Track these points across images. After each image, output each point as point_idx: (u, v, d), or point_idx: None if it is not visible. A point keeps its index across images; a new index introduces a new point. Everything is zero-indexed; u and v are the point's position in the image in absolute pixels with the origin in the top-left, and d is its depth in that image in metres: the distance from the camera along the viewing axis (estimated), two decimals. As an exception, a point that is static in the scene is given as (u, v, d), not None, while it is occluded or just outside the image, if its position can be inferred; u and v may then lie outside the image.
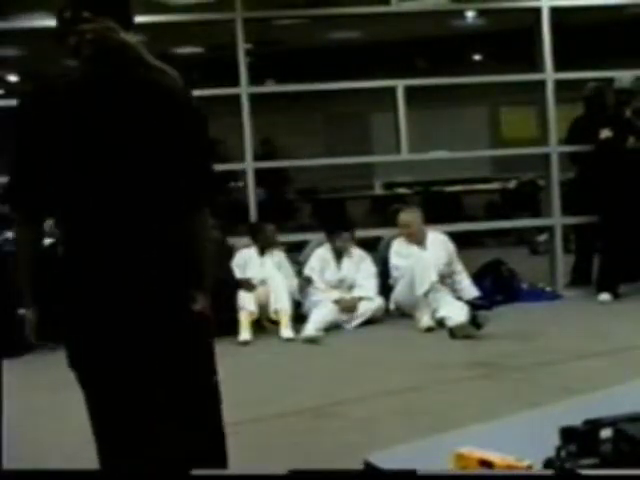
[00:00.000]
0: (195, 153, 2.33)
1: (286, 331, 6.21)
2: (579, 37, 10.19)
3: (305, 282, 6.69)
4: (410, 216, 6.93)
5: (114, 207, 2.27)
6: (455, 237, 7.10)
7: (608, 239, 6.93)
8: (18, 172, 2.31)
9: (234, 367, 4.34)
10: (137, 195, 2.29)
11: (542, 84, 7.45)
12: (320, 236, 7.00)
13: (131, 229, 2.30)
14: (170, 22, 7.64)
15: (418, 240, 6.79)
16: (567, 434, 1.52)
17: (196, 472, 1.90)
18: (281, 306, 6.35)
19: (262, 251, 6.72)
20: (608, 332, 5.76)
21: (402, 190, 12.17)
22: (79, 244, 2.31)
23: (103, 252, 2.28)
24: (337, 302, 6.51)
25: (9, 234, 6.40)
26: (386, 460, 1.67)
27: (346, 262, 6.76)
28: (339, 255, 6.76)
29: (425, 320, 6.22)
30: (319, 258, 6.75)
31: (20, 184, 2.30)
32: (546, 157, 7.51)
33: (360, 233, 7.31)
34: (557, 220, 7.48)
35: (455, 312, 6.01)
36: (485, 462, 1.52)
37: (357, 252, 6.83)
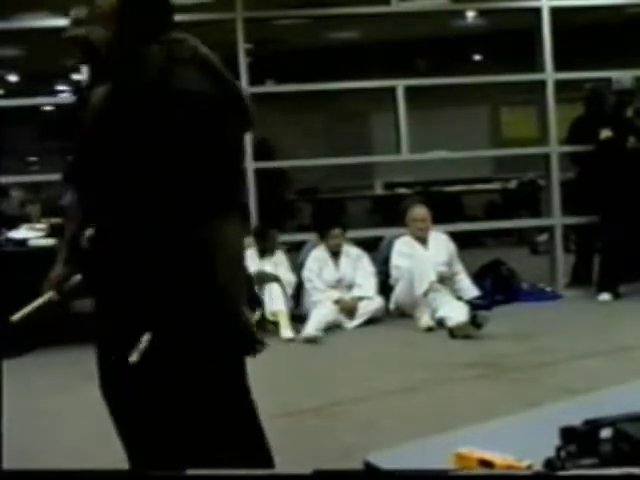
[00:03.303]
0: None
1: (286, 331, 6.22)
2: (579, 37, 10.20)
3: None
4: (426, 210, 6.95)
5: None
6: (455, 237, 7.11)
7: (608, 239, 6.93)
8: None
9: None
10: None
11: (542, 84, 7.45)
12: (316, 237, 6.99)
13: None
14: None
15: (424, 237, 6.80)
16: (567, 434, 1.51)
17: (196, 472, 1.90)
18: (278, 308, 6.37)
19: (262, 253, 6.71)
20: (608, 332, 5.75)
21: (402, 190, 12.16)
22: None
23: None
24: (337, 303, 6.52)
25: (9, 234, 6.40)
26: (386, 460, 1.66)
27: (343, 261, 6.75)
28: (335, 254, 6.76)
29: (425, 320, 6.22)
30: (316, 259, 6.74)
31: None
32: (546, 157, 7.51)
33: (360, 233, 7.28)
34: (557, 220, 7.48)
35: (455, 312, 6.00)
36: (485, 462, 1.52)
37: (354, 251, 6.82)
